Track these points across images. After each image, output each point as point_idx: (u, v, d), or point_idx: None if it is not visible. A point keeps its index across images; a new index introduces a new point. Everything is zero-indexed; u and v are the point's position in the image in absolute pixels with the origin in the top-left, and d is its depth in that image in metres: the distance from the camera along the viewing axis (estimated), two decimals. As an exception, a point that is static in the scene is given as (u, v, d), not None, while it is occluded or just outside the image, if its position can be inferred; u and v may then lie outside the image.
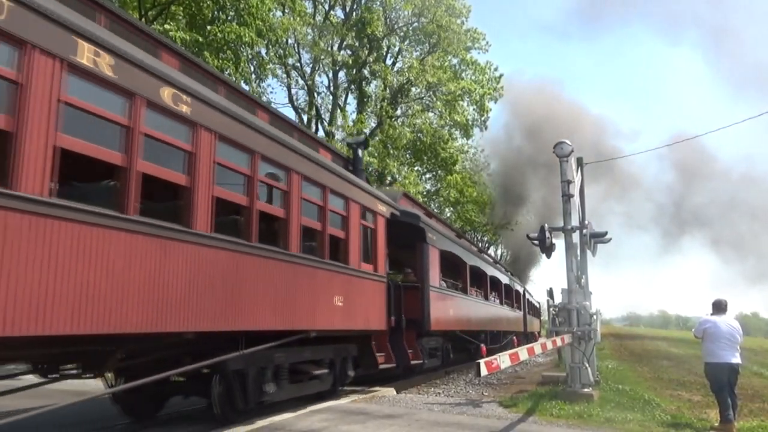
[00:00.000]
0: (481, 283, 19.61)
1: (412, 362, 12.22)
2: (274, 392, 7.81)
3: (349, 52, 28.04)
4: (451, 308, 14.67)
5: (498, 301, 22.21)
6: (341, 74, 28.95)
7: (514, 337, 24.76)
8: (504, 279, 23.81)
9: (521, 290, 28.83)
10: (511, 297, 25.38)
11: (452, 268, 16.01)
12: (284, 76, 27.51)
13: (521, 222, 41.87)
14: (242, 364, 7.13)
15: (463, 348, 16.58)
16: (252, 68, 18.40)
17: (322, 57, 26.93)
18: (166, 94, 5.69)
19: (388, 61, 29.78)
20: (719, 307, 8.24)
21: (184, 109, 5.92)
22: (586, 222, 11.96)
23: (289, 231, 7.75)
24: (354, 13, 27.98)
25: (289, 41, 25.14)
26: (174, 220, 5.84)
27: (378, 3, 27.69)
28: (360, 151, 11.70)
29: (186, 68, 6.51)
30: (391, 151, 27.42)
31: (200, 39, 14.67)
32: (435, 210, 32.71)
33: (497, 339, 21.08)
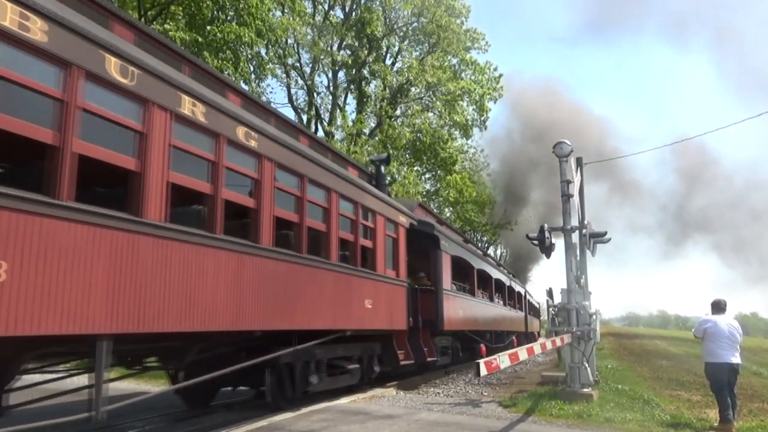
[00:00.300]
0: (487, 286, 20.36)
1: (428, 359, 13.16)
2: (316, 383, 9.06)
3: (349, 52, 28.04)
4: (461, 309, 15.52)
5: (501, 302, 22.95)
6: (341, 74, 28.98)
7: (514, 338, 24.87)
8: (507, 281, 24.63)
9: (522, 291, 29.72)
10: (513, 298, 26.15)
11: (461, 271, 16.74)
12: (284, 76, 27.53)
13: (522, 222, 41.89)
14: (292, 359, 8.34)
15: (469, 347, 17.41)
16: (251, 68, 18.38)
17: (322, 57, 26.93)
18: (241, 132, 6.96)
19: (388, 61, 29.80)
20: (719, 307, 8.24)
21: (253, 143, 7.16)
22: (586, 222, 11.96)
23: (330, 243, 9.01)
24: (353, 13, 27.98)
25: (289, 41, 25.15)
26: (246, 237, 7.04)
27: (377, 3, 27.70)
28: (383, 168, 12.85)
29: (246, 105, 7.62)
30: (391, 151, 27.41)
31: (200, 39, 14.66)
32: (435, 210, 32.82)
33: (501, 338, 21.75)
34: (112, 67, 5.13)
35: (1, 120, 4.18)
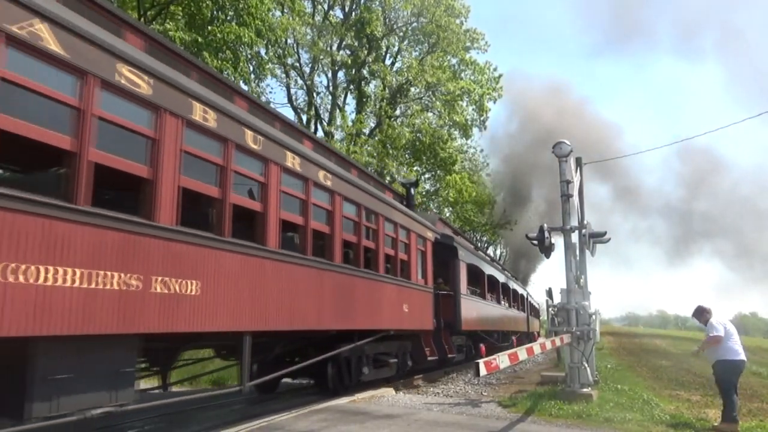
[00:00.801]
0: (494, 289, 21.95)
1: (448, 356, 15.15)
2: (367, 374, 11.00)
3: (348, 52, 28.02)
4: (475, 312, 17.47)
5: (507, 304, 24.56)
6: (340, 74, 28.96)
7: (514, 338, 25.05)
8: (511, 284, 26.55)
9: (524, 294, 31.43)
10: (516, 300, 27.80)
11: (474, 277, 18.38)
12: (283, 76, 27.49)
13: (524, 222, 41.91)
14: (349, 353, 10.27)
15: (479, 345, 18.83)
16: (251, 68, 18.37)
17: (321, 57, 26.91)
18: (321, 175, 8.98)
19: (387, 61, 29.78)
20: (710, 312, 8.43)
21: (329, 183, 9.21)
22: (585, 222, 11.97)
23: (378, 258, 11.03)
24: (353, 13, 27.96)
25: (289, 41, 25.12)
26: (324, 256, 9.00)
27: (377, 3, 27.67)
28: (412, 190, 15.07)
29: (317, 148, 9.49)
30: (391, 151, 27.39)
31: (200, 39, 14.65)
32: (434, 210, 32.92)
33: (507, 338, 23.58)
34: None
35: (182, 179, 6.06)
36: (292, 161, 8.04)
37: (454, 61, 31.42)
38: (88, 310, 4.75)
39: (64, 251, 4.60)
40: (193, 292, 5.98)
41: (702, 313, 8.43)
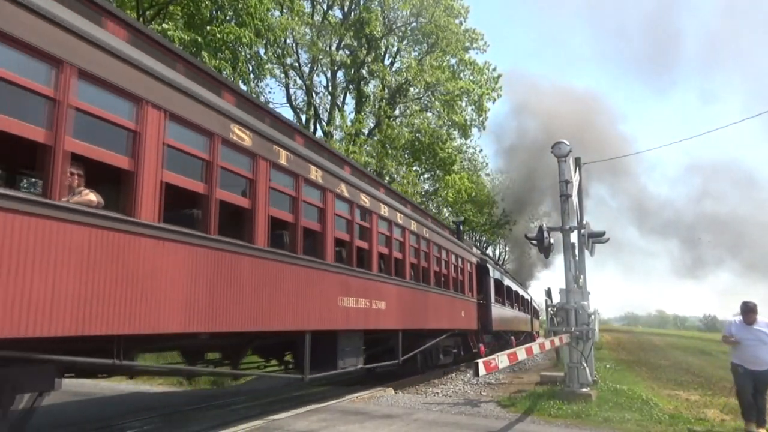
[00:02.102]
0: (509, 296, 26.08)
1: (484, 350, 18.78)
2: (442, 359, 15.76)
3: (348, 52, 28.01)
4: (500, 315, 21.98)
5: (517, 307, 28.31)
6: (339, 74, 28.96)
7: (512, 338, 25.39)
8: (520, 291, 30.23)
9: (528, 297, 34.94)
10: (524, 304, 31.28)
11: (497, 287, 22.60)
12: (282, 75, 27.49)
13: (521, 223, 41.97)
14: (432, 347, 14.43)
15: (499, 343, 22.45)
16: (250, 68, 18.35)
17: (321, 57, 26.91)
18: (399, 216, 12.03)
19: (387, 61, 29.77)
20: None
21: (400, 220, 12.10)
22: (584, 222, 11.97)
23: (449, 278, 15.76)
24: (352, 13, 27.95)
25: (288, 41, 25.12)
26: (401, 276, 12.12)
27: (376, 3, 27.67)
28: (460, 226, 20.66)
29: (389, 193, 12.32)
30: (390, 151, 27.39)
31: (199, 39, 14.63)
32: (434, 210, 33.02)
33: (517, 336, 27.26)
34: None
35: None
36: (384, 209, 11.17)
37: (453, 61, 31.42)
38: (349, 318, 9.45)
39: (351, 289, 9.56)
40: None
41: (747, 313, 7.68)
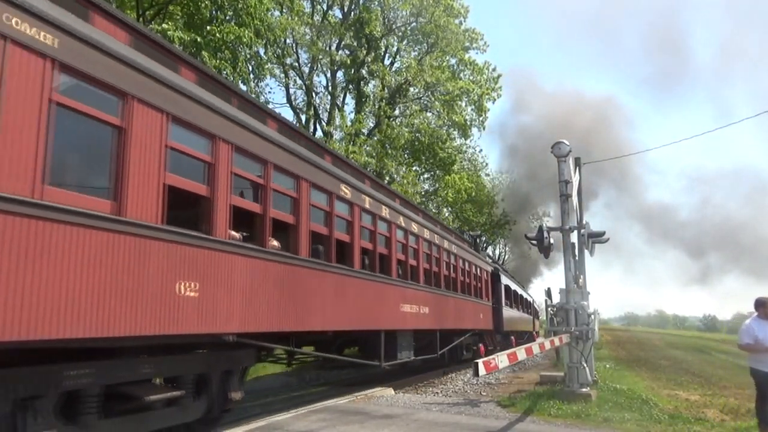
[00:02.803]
0: (515, 299, 28.30)
1: (497, 347, 21.10)
2: (465, 355, 18.47)
3: (348, 52, 28.01)
4: (509, 317, 24.47)
5: (521, 310, 30.57)
6: (339, 74, 28.94)
7: (512, 338, 25.61)
8: (524, 294, 32.87)
9: (531, 300, 37.18)
10: (526, 305, 33.44)
11: (506, 292, 24.85)
12: (282, 75, 27.45)
13: (523, 222, 42.05)
14: (461, 343, 17.54)
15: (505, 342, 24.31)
16: (250, 68, 18.33)
17: (321, 57, 26.89)
18: (426, 234, 14.24)
19: (386, 61, 29.76)
20: None
21: (426, 234, 14.24)
22: (584, 222, 11.97)
23: (471, 286, 18.42)
24: (352, 13, 27.94)
25: (288, 41, 25.10)
26: (437, 286, 14.89)
27: (376, 3, 27.65)
28: (477, 239, 23.62)
29: (428, 218, 15.18)
30: (390, 151, 27.38)
31: (198, 39, 14.62)
32: (434, 210, 33.04)
33: (521, 335, 29.44)
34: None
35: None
36: (427, 233, 14.19)
37: (453, 61, 31.42)
38: (406, 321, 12.20)
39: (407, 298, 12.36)
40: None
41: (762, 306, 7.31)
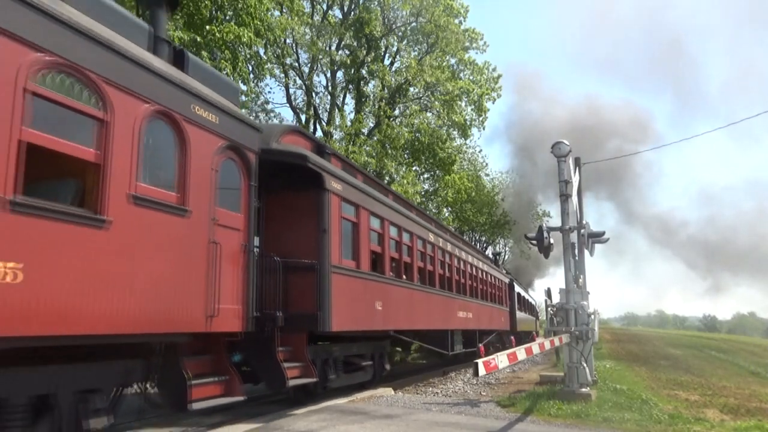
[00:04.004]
0: (523, 303, 32.56)
1: (513, 343, 23.47)
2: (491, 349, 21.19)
3: (347, 52, 28.00)
4: (520, 319, 28.89)
5: (527, 312, 34.43)
6: (339, 74, 28.91)
7: (512, 338, 25.73)
8: (528, 298, 36.79)
9: (533, 302, 40.51)
10: (530, 308, 36.98)
11: (518, 298, 29.53)
12: (282, 75, 27.42)
13: (524, 223, 42.10)
14: (487, 341, 21.28)
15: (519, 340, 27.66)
16: (250, 68, 18.32)
17: (320, 57, 26.88)
18: (470, 259, 19.68)
19: (386, 61, 29.74)
20: None
21: (470, 259, 19.43)
22: (584, 222, 11.97)
23: (495, 295, 23.44)
24: (352, 13, 27.93)
25: (287, 41, 25.09)
26: (480, 297, 20.53)
27: (376, 3, 27.64)
28: (497, 257, 33.23)
29: (469, 246, 22.39)
30: (389, 151, 27.37)
31: (198, 39, 14.62)
32: (434, 210, 33.02)
33: (527, 334, 32.42)
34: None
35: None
36: (470, 258, 19.16)
37: (453, 61, 31.41)
38: (459, 323, 16.97)
39: (461, 306, 17.36)
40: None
41: None
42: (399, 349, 15.85)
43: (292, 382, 7.92)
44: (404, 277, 12.46)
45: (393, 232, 11.76)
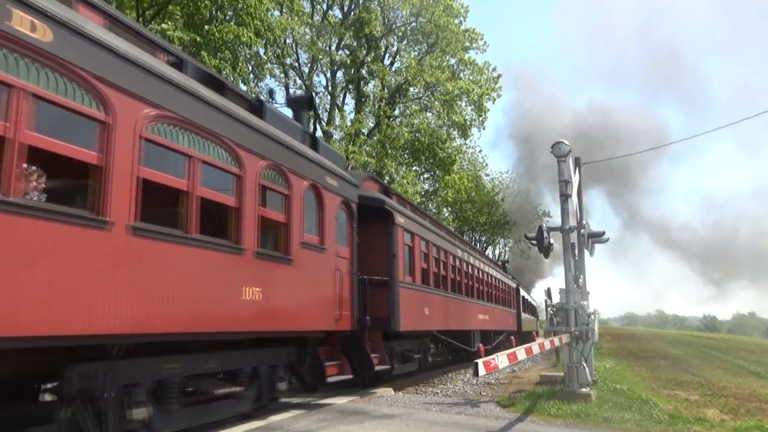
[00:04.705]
0: (527, 306, 34.95)
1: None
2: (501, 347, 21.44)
3: (347, 52, 28.00)
4: (524, 319, 31.84)
5: (529, 313, 36.93)
6: (339, 74, 28.93)
7: (512, 338, 25.81)
8: (531, 300, 39.52)
9: (535, 304, 42.34)
10: (531, 309, 39.22)
11: (523, 301, 32.37)
12: (282, 75, 27.45)
13: (524, 224, 42.14)
14: (501, 341, 24.25)
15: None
16: (250, 68, 18.32)
17: (320, 57, 26.89)
18: (486, 268, 22.57)
19: (386, 61, 29.76)
20: None
21: (487, 269, 22.43)
22: (584, 222, 11.97)
23: (506, 299, 26.35)
24: (352, 13, 27.94)
25: (287, 41, 25.10)
26: (499, 303, 24.29)
27: (376, 3, 27.64)
28: (505, 265, 33.98)
29: (486, 258, 27.64)
30: (389, 151, 27.39)
31: (198, 39, 14.62)
32: (434, 210, 33.02)
33: (529, 334, 34.04)
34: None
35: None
36: (486, 268, 21.90)
37: (453, 61, 31.42)
38: (479, 324, 19.80)
39: (482, 310, 20.45)
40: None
41: None
42: (432, 346, 17.45)
43: (377, 368, 10.76)
44: (441, 287, 15.06)
45: (434, 251, 14.56)
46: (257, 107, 8.00)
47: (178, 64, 6.59)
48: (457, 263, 16.81)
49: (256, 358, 7.63)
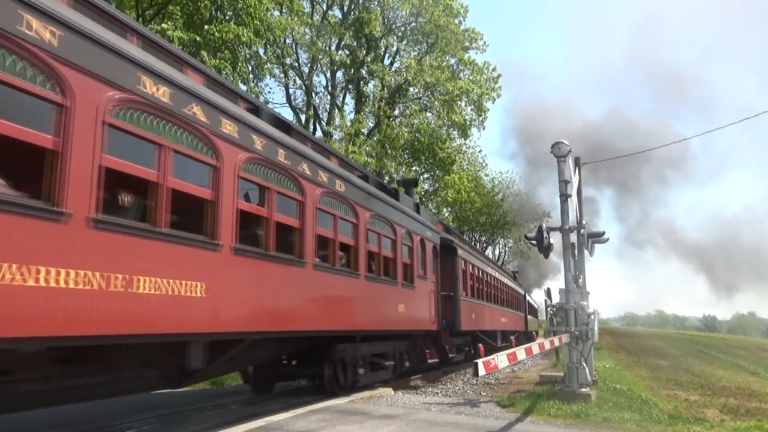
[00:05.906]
0: (530, 308, 38.20)
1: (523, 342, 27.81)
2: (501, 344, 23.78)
3: (347, 52, 28.00)
4: (529, 321, 35.14)
5: (532, 315, 39.78)
6: (339, 74, 28.94)
7: (512, 338, 25.91)
8: (532, 302, 42.51)
9: (536, 305, 45.13)
10: (533, 310, 41.71)
11: (528, 305, 36.08)
12: (282, 75, 27.43)
13: (524, 225, 42.14)
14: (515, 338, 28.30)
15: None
16: (249, 68, 18.30)
17: (320, 57, 26.88)
18: (500, 277, 26.27)
19: (386, 61, 29.76)
20: None
21: (501, 277, 26.07)
22: (584, 222, 11.97)
23: (517, 304, 30.44)
24: (352, 13, 27.94)
25: (287, 41, 25.09)
26: (498, 302, 24.41)
27: (376, 3, 27.64)
28: (516, 273, 41.87)
29: (503, 269, 34.67)
30: (389, 151, 27.39)
31: (198, 39, 14.61)
32: (434, 210, 33.00)
33: (530, 333, 36.96)
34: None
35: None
36: (500, 275, 25.20)
37: (452, 61, 31.43)
38: (501, 324, 23.83)
39: (502, 314, 24.70)
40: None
41: None
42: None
43: (451, 356, 15.46)
44: (481, 297, 19.30)
45: (477, 272, 19.03)
46: (393, 193, 12.67)
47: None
48: (488, 278, 21.29)
49: (394, 346, 12.29)
